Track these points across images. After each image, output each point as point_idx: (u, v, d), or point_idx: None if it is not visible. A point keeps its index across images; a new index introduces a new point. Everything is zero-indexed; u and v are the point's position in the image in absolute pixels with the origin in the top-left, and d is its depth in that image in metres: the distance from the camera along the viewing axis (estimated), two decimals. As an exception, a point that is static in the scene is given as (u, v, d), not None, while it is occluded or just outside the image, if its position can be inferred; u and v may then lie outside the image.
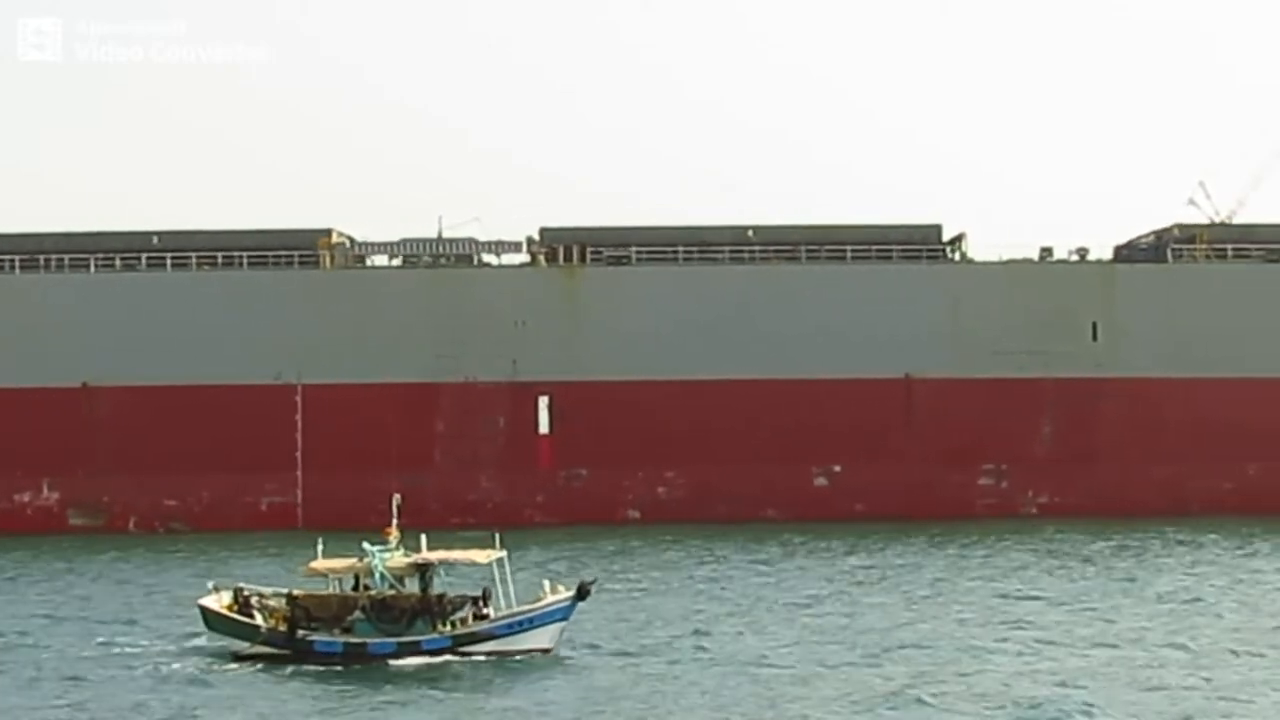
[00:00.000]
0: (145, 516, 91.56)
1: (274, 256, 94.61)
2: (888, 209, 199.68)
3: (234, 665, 52.30)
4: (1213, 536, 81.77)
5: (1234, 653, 52.07)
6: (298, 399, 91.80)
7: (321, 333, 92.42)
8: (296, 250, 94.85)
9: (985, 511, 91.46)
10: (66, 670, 52.16)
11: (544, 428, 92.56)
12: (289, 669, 51.27)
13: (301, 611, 53.27)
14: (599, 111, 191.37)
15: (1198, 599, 63.16)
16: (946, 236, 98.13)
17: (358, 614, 52.74)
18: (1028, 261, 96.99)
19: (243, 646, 53.41)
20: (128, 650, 54.76)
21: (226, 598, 54.87)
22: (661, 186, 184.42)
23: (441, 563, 53.91)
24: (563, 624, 53.47)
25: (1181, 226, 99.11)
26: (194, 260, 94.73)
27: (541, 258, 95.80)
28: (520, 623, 52.79)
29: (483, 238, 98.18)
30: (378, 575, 53.18)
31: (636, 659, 52.33)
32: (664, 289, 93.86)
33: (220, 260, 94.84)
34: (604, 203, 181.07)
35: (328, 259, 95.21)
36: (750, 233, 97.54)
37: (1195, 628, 56.67)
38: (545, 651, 52.70)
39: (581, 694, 47.70)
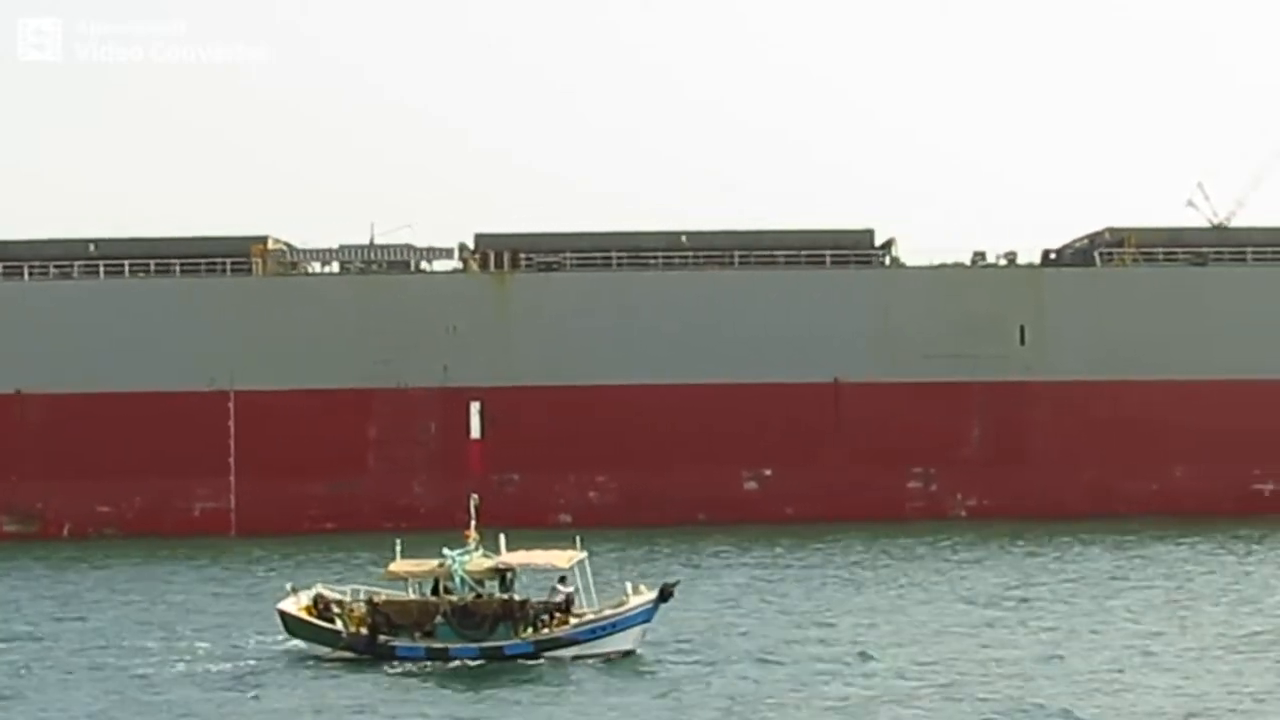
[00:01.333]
0: (79, 523, 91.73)
1: (207, 263, 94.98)
2: (885, 209, 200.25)
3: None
4: (1106, 540, 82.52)
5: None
6: (230, 405, 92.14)
7: (254, 339, 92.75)
8: (229, 257, 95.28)
9: (915, 514, 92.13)
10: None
11: (475, 433, 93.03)
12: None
13: (382, 617, 52.94)
14: (599, 111, 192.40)
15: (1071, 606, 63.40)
16: (880, 240, 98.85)
17: (439, 619, 52.37)
18: (958, 266, 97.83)
19: (323, 651, 53.11)
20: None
21: (305, 601, 54.42)
22: (662, 186, 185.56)
23: (522, 566, 53.65)
24: (645, 626, 53.09)
25: (1112, 230, 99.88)
26: (127, 268, 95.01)
27: (474, 264, 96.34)
28: (603, 627, 52.48)
29: (420, 244, 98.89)
30: (458, 579, 52.83)
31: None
32: (595, 294, 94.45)
33: (154, 268, 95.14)
34: (605, 203, 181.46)
35: (260, 266, 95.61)
36: (684, 238, 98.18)
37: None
38: (627, 654, 52.36)
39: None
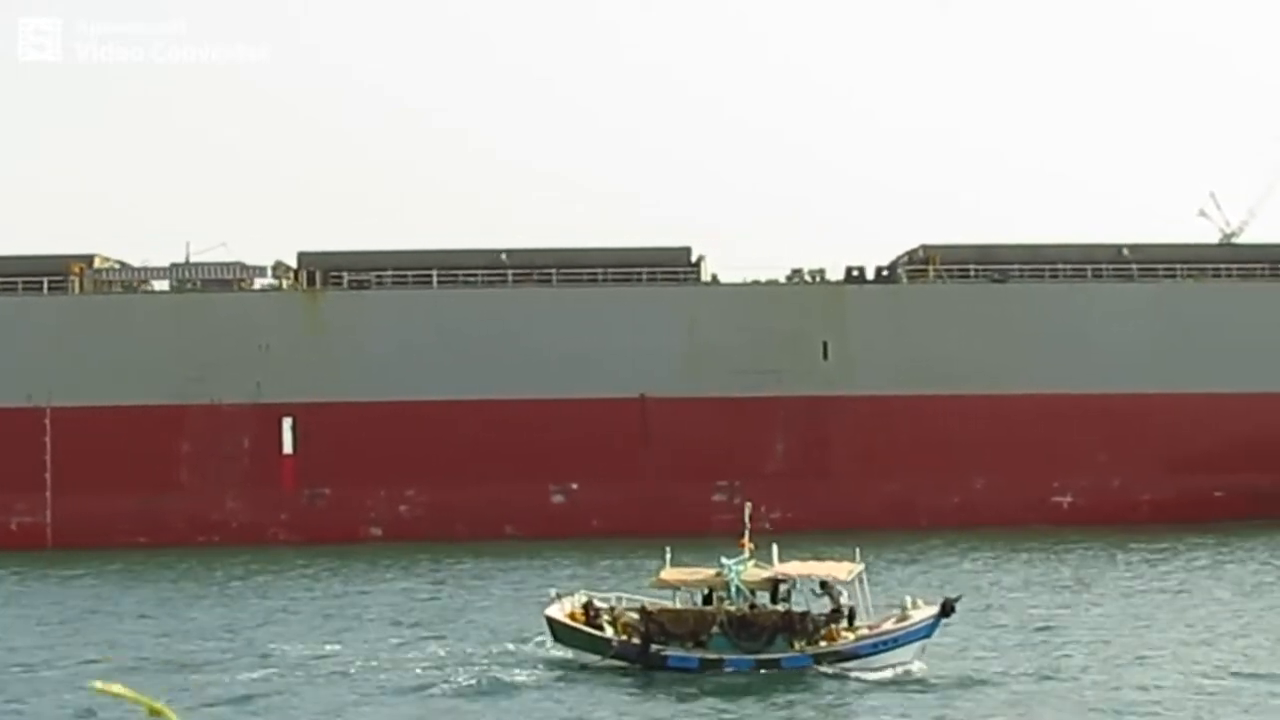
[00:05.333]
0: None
1: (25, 282, 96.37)
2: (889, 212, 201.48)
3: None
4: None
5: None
6: (46, 421, 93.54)
7: (70, 357, 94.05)
8: (49, 276, 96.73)
9: (720, 527, 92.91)
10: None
11: (288, 448, 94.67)
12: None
13: (656, 625, 51.65)
14: (602, 113, 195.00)
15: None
16: (694, 257, 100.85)
17: (715, 629, 51.01)
18: (771, 283, 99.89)
19: (592, 659, 51.85)
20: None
21: (569, 607, 53.19)
22: (662, 187, 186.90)
23: (802, 577, 52.32)
24: (925, 642, 51.64)
25: (926, 247, 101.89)
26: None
27: (285, 281, 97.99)
28: (885, 641, 50.92)
29: (251, 262, 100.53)
30: (734, 589, 51.44)
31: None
32: (407, 312, 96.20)
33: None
34: (613, 202, 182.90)
35: (77, 284, 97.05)
36: (504, 256, 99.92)
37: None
38: (906, 670, 50.78)
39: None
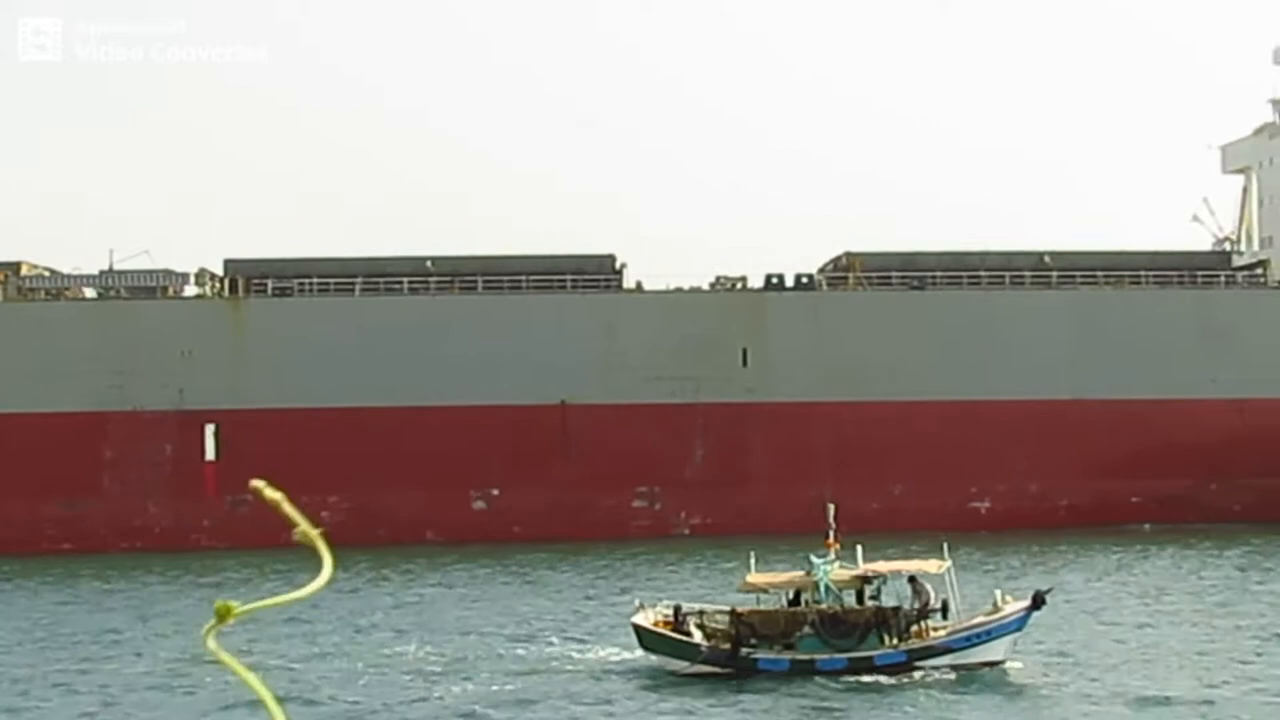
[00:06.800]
0: None
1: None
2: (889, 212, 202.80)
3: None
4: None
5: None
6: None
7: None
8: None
9: (639, 533, 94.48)
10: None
11: (210, 455, 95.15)
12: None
13: (746, 628, 51.17)
14: (602, 116, 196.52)
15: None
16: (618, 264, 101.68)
17: (806, 629, 50.79)
18: (694, 290, 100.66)
19: (681, 665, 51.19)
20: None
21: (654, 615, 52.58)
22: (664, 189, 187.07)
23: (893, 573, 52.38)
24: (1016, 635, 51.66)
25: (849, 254, 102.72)
26: None
27: (208, 289, 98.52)
28: (978, 635, 50.83)
29: (180, 269, 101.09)
30: (822, 588, 51.19)
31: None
32: (331, 319, 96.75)
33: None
34: (613, 202, 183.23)
35: (1, 292, 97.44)
36: (429, 263, 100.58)
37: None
38: (997, 664, 50.96)
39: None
